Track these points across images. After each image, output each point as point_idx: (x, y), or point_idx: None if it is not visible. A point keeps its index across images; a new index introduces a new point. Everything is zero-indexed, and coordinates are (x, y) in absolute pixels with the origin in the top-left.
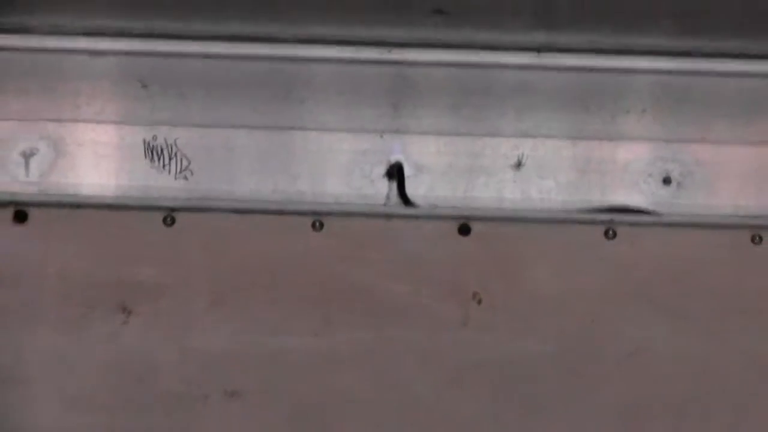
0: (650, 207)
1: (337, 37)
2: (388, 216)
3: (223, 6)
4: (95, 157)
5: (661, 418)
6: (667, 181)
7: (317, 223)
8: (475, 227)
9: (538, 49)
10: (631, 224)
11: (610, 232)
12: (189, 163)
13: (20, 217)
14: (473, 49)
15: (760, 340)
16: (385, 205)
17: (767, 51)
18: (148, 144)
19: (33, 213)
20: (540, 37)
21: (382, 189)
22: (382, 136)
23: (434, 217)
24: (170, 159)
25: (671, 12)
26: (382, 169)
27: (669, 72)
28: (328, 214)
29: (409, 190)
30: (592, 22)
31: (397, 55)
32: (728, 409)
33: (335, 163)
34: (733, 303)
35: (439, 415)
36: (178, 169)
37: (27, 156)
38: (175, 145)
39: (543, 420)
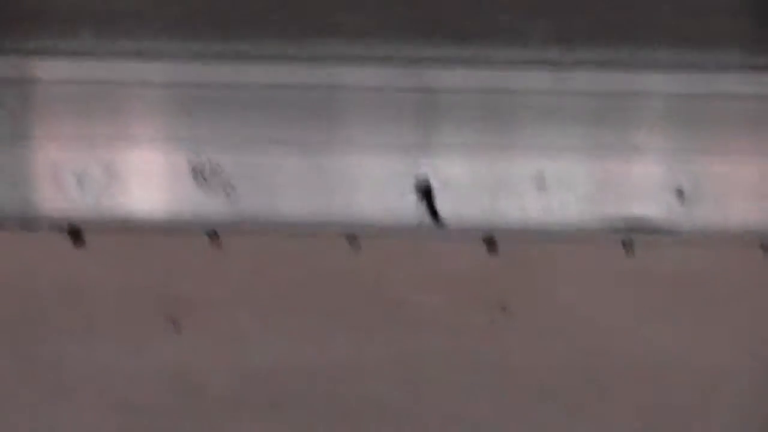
0: (665, 218)
1: (374, 62)
2: (419, 232)
3: (264, 33)
4: (144, 179)
5: (678, 429)
6: (680, 193)
7: (353, 241)
8: (502, 242)
9: (559, 70)
10: (649, 235)
11: (628, 245)
12: (232, 184)
13: (76, 237)
14: (496, 71)
15: None
16: (416, 223)
17: None
18: (194, 166)
19: (88, 234)
20: (559, 57)
21: (413, 207)
22: (411, 156)
23: (462, 232)
24: (214, 180)
25: (682, 30)
26: (413, 188)
27: (682, 88)
28: (363, 232)
29: (437, 206)
30: (609, 41)
31: (425, 78)
32: (745, 420)
33: (369, 183)
34: (750, 311)
35: (466, 419)
36: (222, 190)
37: (81, 179)
38: (219, 167)
39: (565, 428)
